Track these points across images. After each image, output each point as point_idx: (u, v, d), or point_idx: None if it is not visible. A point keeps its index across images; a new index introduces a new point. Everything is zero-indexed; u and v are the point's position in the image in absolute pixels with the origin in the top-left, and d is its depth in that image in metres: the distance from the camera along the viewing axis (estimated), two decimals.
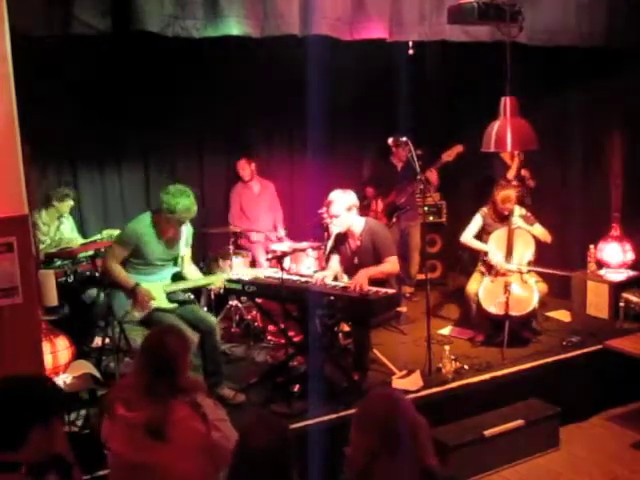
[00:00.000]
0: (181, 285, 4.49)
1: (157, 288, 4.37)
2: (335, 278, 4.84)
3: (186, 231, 4.53)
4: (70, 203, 5.54)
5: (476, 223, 5.47)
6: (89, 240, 5.57)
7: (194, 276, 4.62)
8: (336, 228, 4.77)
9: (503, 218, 5.33)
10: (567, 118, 6.06)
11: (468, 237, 5.46)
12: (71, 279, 5.17)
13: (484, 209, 5.47)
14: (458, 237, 5.56)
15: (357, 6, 4.24)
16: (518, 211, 5.35)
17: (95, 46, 4.64)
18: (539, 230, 5.33)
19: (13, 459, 2.10)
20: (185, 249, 4.55)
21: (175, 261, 4.53)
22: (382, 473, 1.99)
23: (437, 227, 6.94)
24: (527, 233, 5.28)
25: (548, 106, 5.80)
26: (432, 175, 5.98)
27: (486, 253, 5.30)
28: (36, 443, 2.13)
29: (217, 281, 4.63)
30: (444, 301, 6.25)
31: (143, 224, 4.33)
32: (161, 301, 4.38)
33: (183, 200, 4.19)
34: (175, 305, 4.45)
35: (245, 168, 6.33)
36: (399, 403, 2.11)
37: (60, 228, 5.52)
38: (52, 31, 3.48)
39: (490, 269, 5.28)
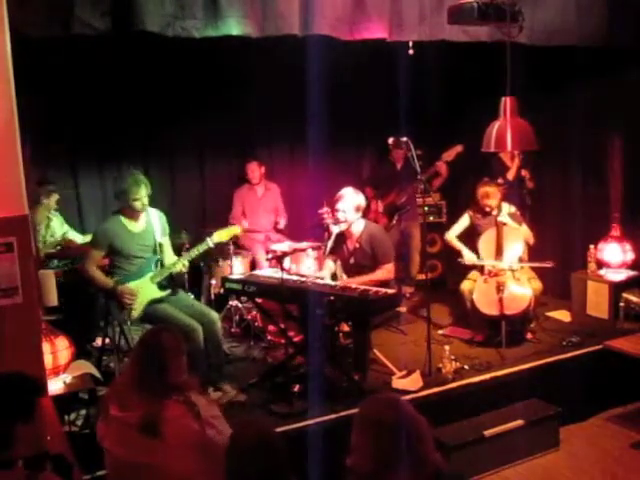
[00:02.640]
0: (166, 270, 4.50)
1: (145, 282, 4.44)
2: (334, 278, 4.85)
3: (159, 219, 4.57)
4: (56, 197, 5.50)
5: (462, 223, 5.56)
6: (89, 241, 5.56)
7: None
8: (336, 228, 4.77)
9: (486, 214, 5.38)
10: (567, 118, 6.05)
11: (452, 235, 5.57)
12: (71, 279, 5.17)
13: (470, 209, 5.54)
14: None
15: (357, 6, 4.24)
16: (507, 209, 5.37)
17: (95, 46, 4.64)
18: (524, 230, 5.39)
19: (7, 458, 2.11)
20: (163, 238, 4.58)
21: (154, 250, 4.54)
22: (389, 476, 1.98)
23: (437, 227, 6.93)
24: (515, 230, 5.31)
25: (548, 106, 5.79)
26: (442, 167, 6.00)
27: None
28: (24, 438, 2.14)
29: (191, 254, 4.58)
30: (444, 301, 6.24)
31: (111, 222, 4.47)
32: (153, 292, 4.44)
33: (131, 179, 4.36)
34: (168, 291, 4.51)
35: (255, 171, 6.33)
36: (399, 404, 2.11)
37: (50, 225, 5.50)
38: (52, 31, 3.48)
39: (483, 269, 5.29)
